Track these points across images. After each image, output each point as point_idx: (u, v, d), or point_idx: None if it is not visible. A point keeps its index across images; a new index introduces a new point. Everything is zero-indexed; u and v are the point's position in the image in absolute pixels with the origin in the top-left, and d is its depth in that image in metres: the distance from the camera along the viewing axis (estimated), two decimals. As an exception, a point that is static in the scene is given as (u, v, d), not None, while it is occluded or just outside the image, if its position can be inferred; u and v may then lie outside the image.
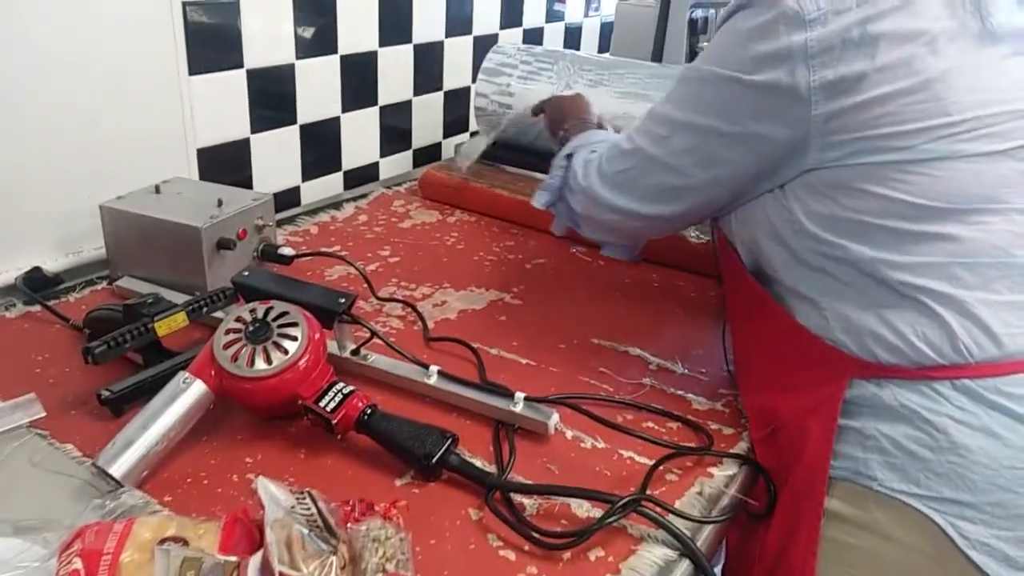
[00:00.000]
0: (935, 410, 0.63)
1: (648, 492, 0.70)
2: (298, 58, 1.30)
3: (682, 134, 0.75)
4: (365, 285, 1.02)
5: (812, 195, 0.68)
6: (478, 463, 0.72)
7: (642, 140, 0.78)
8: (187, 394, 0.70)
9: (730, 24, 0.70)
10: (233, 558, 0.48)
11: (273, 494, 0.52)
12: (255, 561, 0.47)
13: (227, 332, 0.73)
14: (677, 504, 0.69)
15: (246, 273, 0.87)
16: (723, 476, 0.74)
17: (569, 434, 0.78)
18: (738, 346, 0.87)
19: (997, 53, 0.63)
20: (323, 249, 1.14)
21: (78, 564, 0.48)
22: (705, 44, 1.75)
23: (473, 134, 1.72)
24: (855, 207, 0.66)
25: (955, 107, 0.61)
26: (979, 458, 0.62)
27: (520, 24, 1.84)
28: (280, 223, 1.24)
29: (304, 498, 0.52)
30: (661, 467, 0.73)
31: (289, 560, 0.47)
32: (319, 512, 0.51)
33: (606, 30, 2.18)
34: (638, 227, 0.85)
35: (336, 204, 1.34)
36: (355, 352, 0.85)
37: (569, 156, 0.91)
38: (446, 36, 1.60)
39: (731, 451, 0.77)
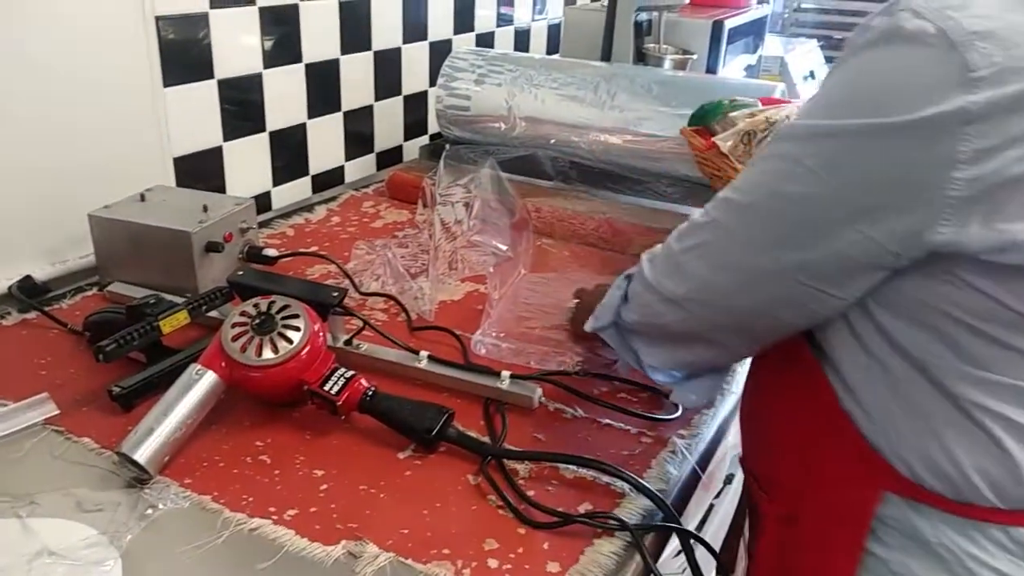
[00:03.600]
0: (983, 561, 0.55)
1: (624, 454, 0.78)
2: (265, 67, 1.34)
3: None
4: (347, 282, 1.08)
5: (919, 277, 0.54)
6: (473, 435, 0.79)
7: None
8: (200, 384, 0.75)
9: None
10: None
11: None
12: None
13: (234, 326, 0.78)
14: (653, 464, 0.78)
15: (240, 273, 0.92)
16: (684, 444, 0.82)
17: (552, 407, 0.85)
18: (755, 398, 0.74)
19: None
20: (302, 249, 1.19)
21: None
22: (651, 45, 1.85)
23: (433, 136, 1.79)
24: (960, 301, 0.53)
25: None
26: None
27: (472, 29, 1.90)
28: (256, 227, 1.29)
29: None
30: (635, 432, 0.82)
31: None
32: None
33: (553, 32, 2.26)
34: (708, 328, 0.67)
35: (308, 207, 1.39)
36: (348, 342, 0.91)
37: (628, 275, 0.75)
38: (404, 43, 1.67)
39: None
